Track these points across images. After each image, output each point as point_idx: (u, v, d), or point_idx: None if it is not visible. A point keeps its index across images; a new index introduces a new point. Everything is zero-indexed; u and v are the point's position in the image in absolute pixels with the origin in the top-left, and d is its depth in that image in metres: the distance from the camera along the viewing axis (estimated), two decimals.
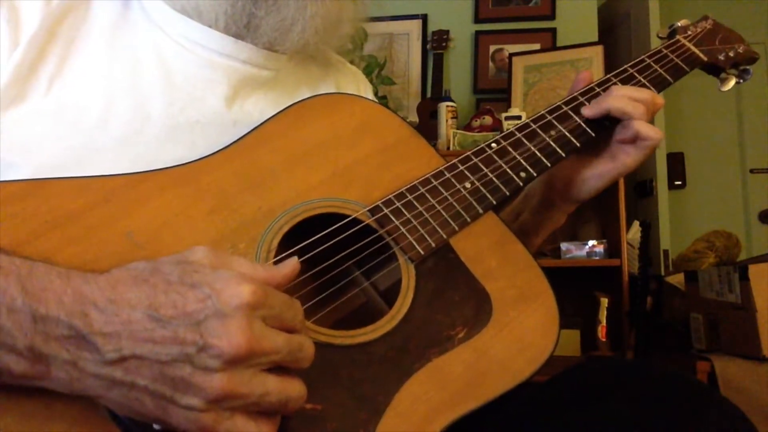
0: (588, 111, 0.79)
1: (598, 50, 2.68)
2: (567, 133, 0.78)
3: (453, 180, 0.71)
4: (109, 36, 0.72)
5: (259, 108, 0.75)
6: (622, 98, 0.77)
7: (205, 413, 0.43)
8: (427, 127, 2.64)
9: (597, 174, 0.81)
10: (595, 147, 0.81)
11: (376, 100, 0.94)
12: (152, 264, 0.47)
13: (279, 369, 0.47)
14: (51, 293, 0.44)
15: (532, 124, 0.79)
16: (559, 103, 0.81)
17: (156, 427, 0.46)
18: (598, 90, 0.82)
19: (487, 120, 2.57)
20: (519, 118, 2.36)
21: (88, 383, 0.44)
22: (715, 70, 0.94)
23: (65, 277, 0.45)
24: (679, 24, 0.95)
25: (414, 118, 2.77)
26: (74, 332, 0.43)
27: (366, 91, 0.96)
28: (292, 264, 0.51)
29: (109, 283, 0.45)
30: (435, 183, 0.70)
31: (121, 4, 0.75)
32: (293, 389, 0.47)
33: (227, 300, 0.44)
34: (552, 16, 2.93)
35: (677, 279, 2.22)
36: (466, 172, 0.73)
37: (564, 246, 2.37)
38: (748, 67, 0.95)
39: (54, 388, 0.45)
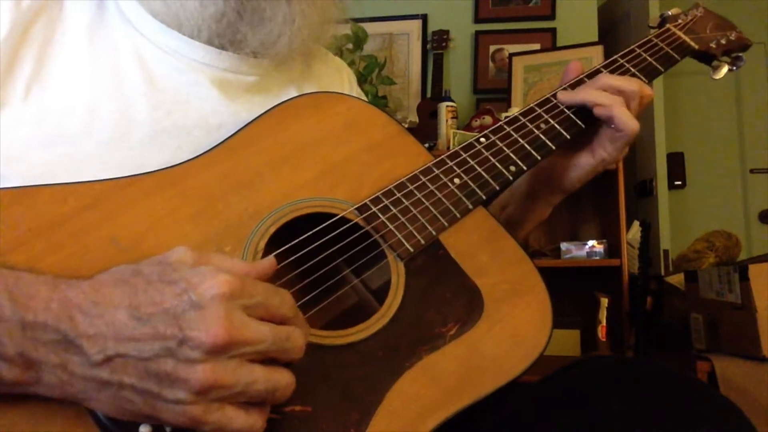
0: (563, 96, 0.79)
1: (598, 50, 2.67)
2: (556, 125, 0.78)
3: (441, 176, 0.71)
4: (86, 37, 0.70)
5: (246, 109, 0.74)
6: (597, 90, 0.77)
7: (193, 405, 0.44)
8: (427, 127, 2.64)
9: (577, 166, 0.81)
10: (578, 140, 0.81)
11: (361, 92, 0.94)
12: (134, 266, 0.48)
13: (267, 360, 0.47)
14: (38, 301, 0.45)
15: (521, 117, 0.78)
16: (548, 96, 0.81)
17: None
18: (587, 81, 0.81)
19: (487, 120, 2.56)
20: None
21: (78, 386, 0.45)
22: (706, 58, 0.94)
23: (51, 284, 0.46)
24: (669, 12, 0.94)
25: (414, 118, 2.77)
26: (61, 336, 0.44)
27: (350, 82, 0.95)
28: (269, 260, 0.52)
29: (93, 287, 0.46)
30: (423, 179, 0.70)
31: (95, 4, 0.73)
32: (281, 378, 0.47)
33: (203, 292, 0.44)
34: (552, 16, 2.93)
35: (677, 279, 2.21)
36: (455, 167, 0.72)
37: (564, 246, 2.37)
38: (740, 54, 0.94)
39: (45, 393, 0.45)
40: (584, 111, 0.79)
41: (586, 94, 0.77)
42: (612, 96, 0.76)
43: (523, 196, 0.86)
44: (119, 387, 0.44)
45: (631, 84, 0.78)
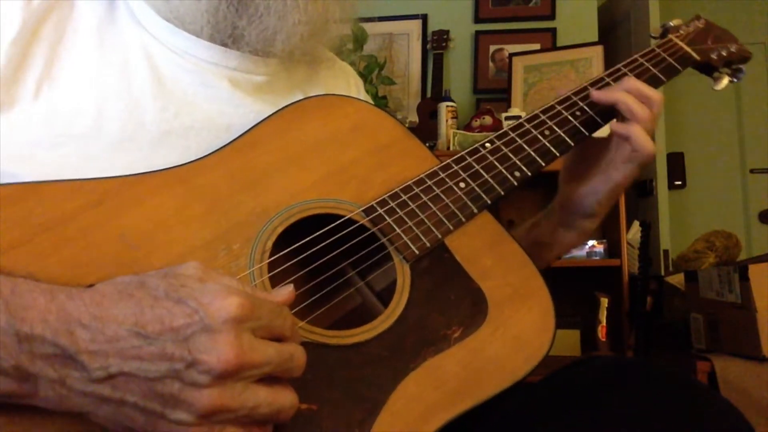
0: (597, 94, 0.79)
1: (598, 50, 2.67)
2: (561, 133, 0.78)
3: (447, 179, 0.71)
4: (96, 36, 0.70)
5: (255, 110, 0.74)
6: (631, 97, 0.77)
7: (197, 427, 0.43)
8: (427, 127, 2.64)
9: (592, 191, 0.81)
10: (590, 165, 0.81)
11: (368, 97, 0.94)
12: (139, 277, 0.47)
13: (270, 378, 0.46)
14: (35, 312, 0.43)
15: (526, 123, 0.79)
16: (552, 103, 0.81)
17: None
18: (591, 89, 0.82)
19: (487, 120, 2.57)
20: (519, 118, 2.32)
21: (76, 401, 0.44)
22: (708, 69, 0.94)
23: (49, 294, 0.44)
24: (671, 23, 0.95)
25: (414, 118, 2.77)
26: (60, 351, 0.43)
27: (357, 86, 0.95)
28: (288, 289, 0.51)
29: (95, 299, 0.44)
30: (429, 183, 0.70)
31: (106, 3, 0.73)
32: (285, 399, 0.47)
33: (214, 314, 0.43)
34: (552, 16, 2.93)
35: (677, 279, 2.21)
36: (461, 171, 0.73)
37: None
38: (741, 66, 0.95)
39: (43, 405, 0.44)
40: (589, 119, 0.80)
41: (618, 96, 0.77)
42: (640, 103, 0.76)
43: (554, 222, 0.85)
44: (120, 404, 0.43)
45: (653, 92, 0.78)
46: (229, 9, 0.71)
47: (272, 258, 0.60)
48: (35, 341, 0.43)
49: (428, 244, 0.66)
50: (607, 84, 0.83)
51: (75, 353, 0.42)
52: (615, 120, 0.80)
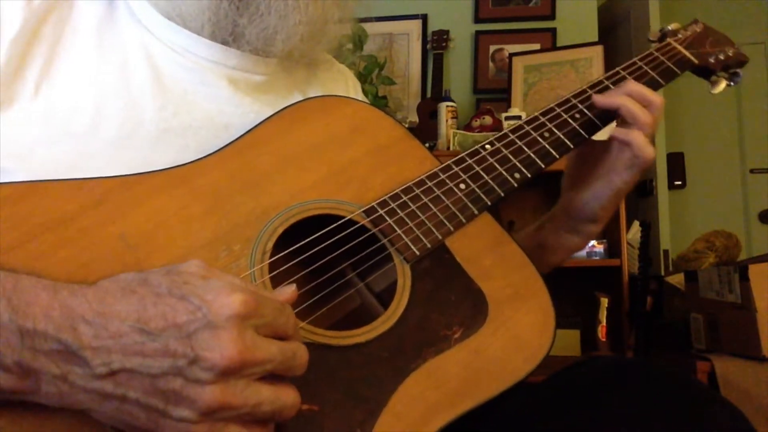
0: (599, 99, 0.79)
1: (598, 50, 2.67)
2: (561, 135, 0.78)
3: (447, 181, 0.72)
4: (96, 36, 0.70)
5: (254, 110, 0.74)
6: (633, 101, 0.77)
7: (199, 425, 0.43)
8: (427, 127, 2.64)
9: (594, 196, 0.81)
10: (591, 170, 0.81)
11: (366, 99, 0.94)
12: (141, 275, 0.47)
13: (272, 377, 0.46)
14: (38, 307, 0.43)
15: (525, 125, 0.79)
16: (552, 106, 0.81)
17: None
18: (590, 92, 0.82)
19: (487, 120, 2.57)
20: (519, 118, 2.35)
21: (78, 397, 0.43)
22: (705, 72, 0.95)
23: (52, 290, 0.45)
24: (669, 27, 0.95)
25: (414, 118, 2.77)
26: (63, 347, 0.43)
27: (355, 88, 0.95)
28: (292, 288, 0.51)
29: (97, 296, 0.44)
30: (430, 184, 0.71)
31: (105, 3, 0.73)
32: (287, 398, 0.47)
33: (218, 310, 0.43)
34: (552, 16, 2.93)
35: (677, 279, 2.22)
36: (461, 172, 0.73)
37: None
38: (738, 70, 0.95)
39: (44, 402, 0.44)
40: (589, 122, 0.80)
41: (621, 101, 0.78)
42: (641, 108, 0.76)
43: (558, 226, 0.86)
44: (122, 401, 0.43)
45: (654, 96, 0.78)
46: (231, 7, 0.72)
47: (273, 259, 0.60)
48: (38, 337, 0.42)
49: (429, 245, 0.66)
50: (607, 87, 0.83)
51: (78, 349, 0.42)
52: (616, 124, 0.80)
